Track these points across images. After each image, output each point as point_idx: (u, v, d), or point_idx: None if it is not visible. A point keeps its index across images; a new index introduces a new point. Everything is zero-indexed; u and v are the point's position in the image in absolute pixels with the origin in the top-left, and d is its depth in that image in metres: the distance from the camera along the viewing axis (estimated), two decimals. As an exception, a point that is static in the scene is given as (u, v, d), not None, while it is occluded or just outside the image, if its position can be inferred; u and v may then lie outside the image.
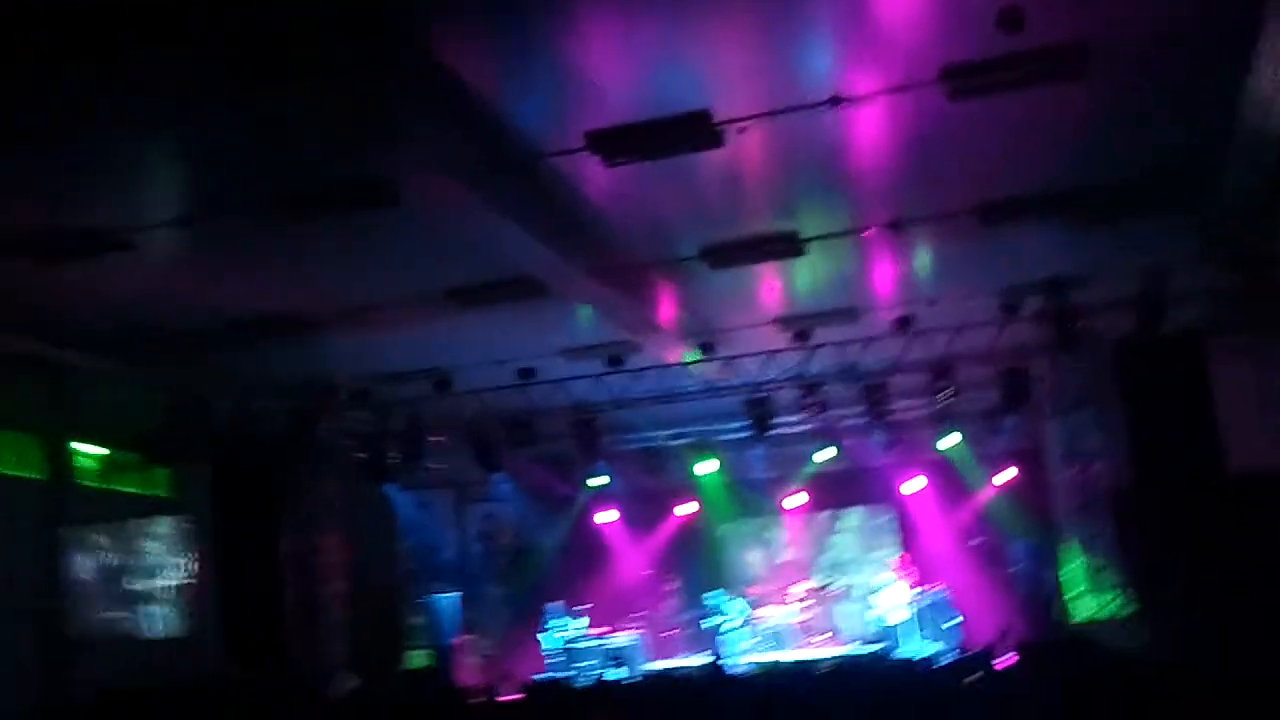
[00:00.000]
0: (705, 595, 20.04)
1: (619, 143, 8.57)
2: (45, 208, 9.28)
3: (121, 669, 13.76)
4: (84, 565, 14.48)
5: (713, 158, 8.88)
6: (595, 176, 9.24)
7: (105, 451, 14.60)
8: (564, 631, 19.67)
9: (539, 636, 19.77)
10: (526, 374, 14.83)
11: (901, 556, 20.10)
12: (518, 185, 9.45)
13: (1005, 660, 9.36)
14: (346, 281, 11.69)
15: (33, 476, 13.63)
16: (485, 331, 13.32)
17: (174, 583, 15.60)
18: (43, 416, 13.47)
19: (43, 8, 6.18)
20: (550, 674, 18.66)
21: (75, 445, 14.28)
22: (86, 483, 14.71)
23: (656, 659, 19.59)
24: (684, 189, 9.99)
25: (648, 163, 8.86)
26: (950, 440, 18.32)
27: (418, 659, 18.85)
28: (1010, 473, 19.51)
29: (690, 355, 14.53)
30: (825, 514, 21.75)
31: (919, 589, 19.04)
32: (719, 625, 19.36)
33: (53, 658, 13.19)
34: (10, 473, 13.43)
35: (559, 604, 19.94)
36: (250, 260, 10.93)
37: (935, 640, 17.84)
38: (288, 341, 12.85)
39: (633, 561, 21.83)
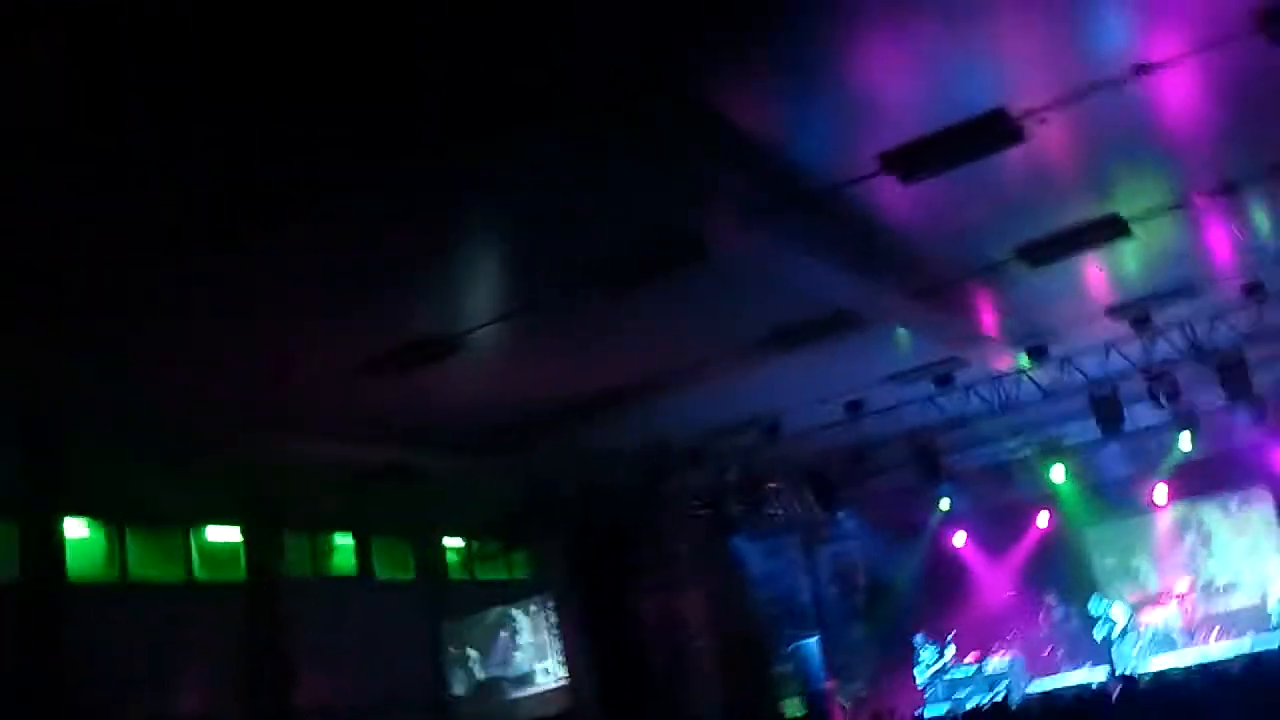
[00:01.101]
0: (1089, 603, 19.01)
1: (915, 158, 8.33)
2: (391, 325, 9.95)
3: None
4: (463, 655, 15.34)
5: (1015, 154, 8.48)
6: (894, 197, 9.02)
7: (468, 543, 15.40)
8: (935, 664, 19.13)
9: (913, 670, 19.29)
10: (854, 407, 14.65)
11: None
12: (818, 220, 9.38)
13: None
14: (666, 345, 11.93)
15: (407, 578, 14.59)
16: (807, 371, 13.25)
17: (548, 661, 16.21)
18: (411, 518, 14.40)
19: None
20: (930, 708, 18.17)
21: (443, 541, 15.19)
22: (455, 576, 15.62)
23: (1038, 678, 18.72)
24: (989, 192, 9.62)
25: (947, 173, 8.59)
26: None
27: (792, 708, 18.79)
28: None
29: (1022, 360, 13.94)
30: (1196, 504, 20.24)
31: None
32: (1106, 634, 18.31)
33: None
34: (387, 576, 14.41)
35: (920, 635, 19.42)
36: (573, 342, 11.34)
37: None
38: (620, 412, 13.22)
39: (994, 581, 20.99)
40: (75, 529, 11.48)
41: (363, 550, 14.14)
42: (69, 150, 6.36)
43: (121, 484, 11.37)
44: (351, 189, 7.39)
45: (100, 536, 11.90)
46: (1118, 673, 14.83)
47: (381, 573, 14.39)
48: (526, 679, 16.08)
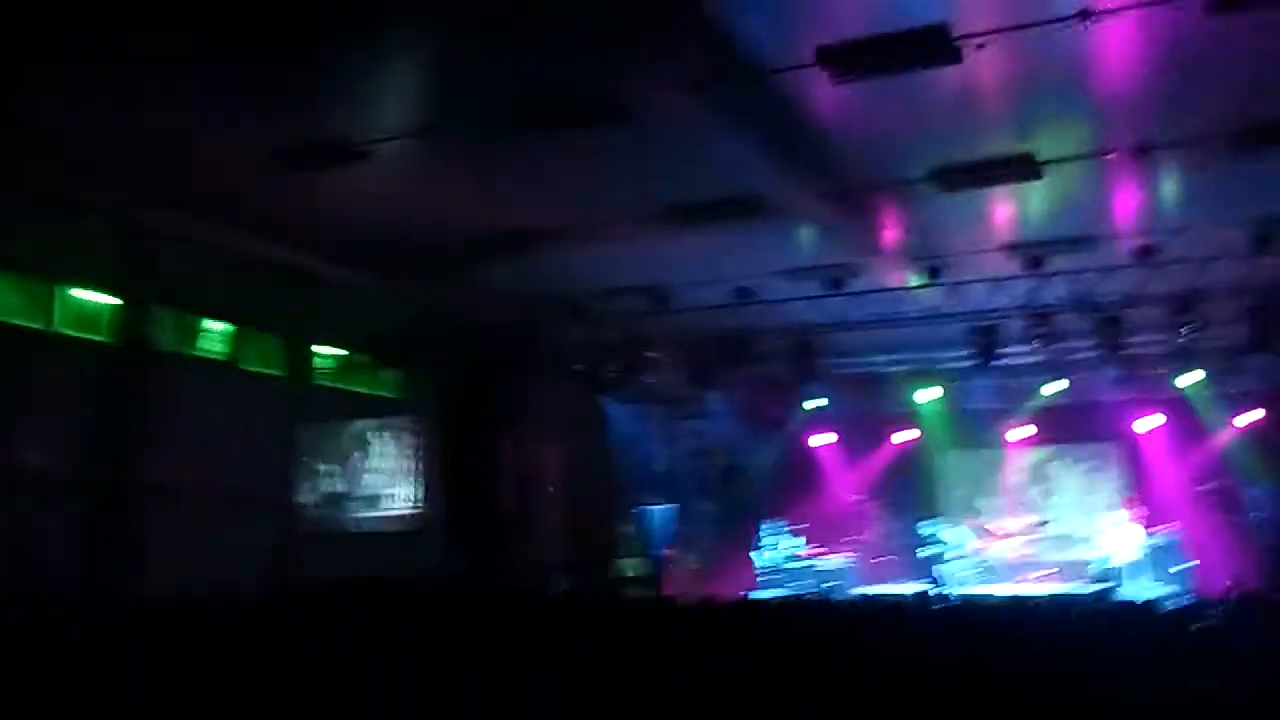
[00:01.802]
0: (923, 524, 19.74)
1: (850, 57, 8.30)
2: (298, 121, 9.72)
3: (350, 560, 14.54)
4: (318, 459, 15.35)
5: (948, 75, 8.52)
6: (824, 93, 9.00)
7: (342, 352, 15.23)
8: (775, 551, 19.73)
9: (751, 554, 19.90)
10: (744, 293, 14.76)
11: (1129, 497, 19.28)
12: (746, 102, 9.33)
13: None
14: (573, 197, 11.86)
15: (275, 374, 14.46)
16: (706, 250, 13.30)
17: (401, 480, 16.29)
18: (288, 318, 14.21)
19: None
20: (759, 592, 18.78)
21: (315, 348, 15.02)
22: (323, 382, 15.51)
23: (867, 584, 19.46)
24: (916, 108, 9.64)
25: (879, 79, 8.58)
26: (1190, 378, 17.37)
27: (629, 567, 19.25)
28: (1255, 414, 18.36)
29: (915, 280, 14.16)
30: (1050, 449, 21.04)
31: (1148, 531, 18.26)
32: (938, 555, 19.08)
33: (286, 546, 14.04)
34: (254, 369, 14.26)
35: (780, 522, 19.96)
36: (482, 175, 11.21)
37: (1163, 584, 17.08)
38: (516, 256, 13.14)
39: (845, 486, 21.67)
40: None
41: (235, 340, 13.91)
42: None
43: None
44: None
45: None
46: (936, 591, 15.47)
47: (249, 364, 14.20)
48: (374, 500, 16.17)
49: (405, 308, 14.51)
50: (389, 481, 16.23)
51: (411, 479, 16.22)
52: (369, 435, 16.10)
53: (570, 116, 9.34)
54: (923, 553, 19.33)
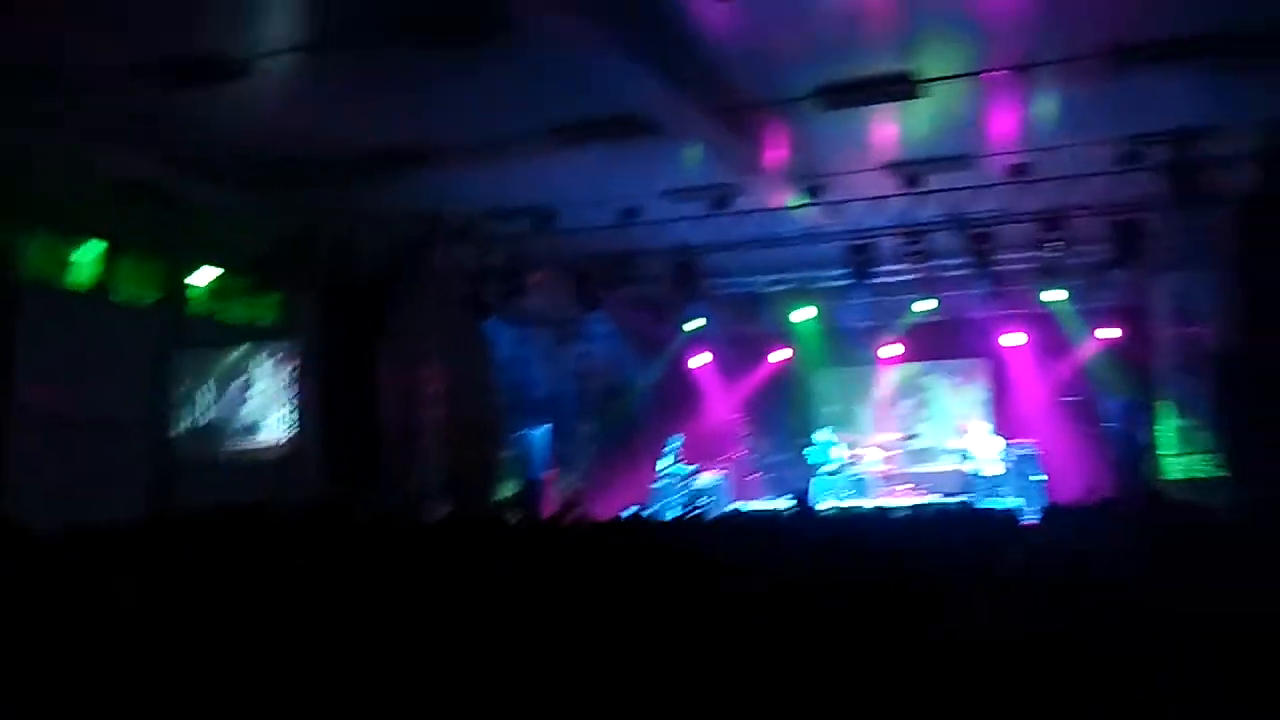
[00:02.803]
0: (806, 440, 20.17)
1: (738, -27, 8.32)
2: (168, 35, 9.34)
3: (226, 488, 14.26)
4: (195, 387, 14.97)
5: (835, -9, 8.60)
6: (708, 10, 9.02)
7: (217, 274, 14.78)
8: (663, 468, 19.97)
9: (632, 471, 20.12)
10: (629, 214, 14.77)
11: (992, 410, 19.99)
12: (632, 16, 9.28)
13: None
14: (458, 116, 11.66)
15: (148, 300, 13.99)
16: (592, 171, 13.24)
17: (279, 407, 15.99)
18: (161, 241, 13.74)
19: None
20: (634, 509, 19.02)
21: (193, 270, 14.54)
22: (198, 308, 15.06)
23: (741, 500, 19.86)
24: (800, 24, 9.72)
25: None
26: (1055, 295, 17.99)
27: (509, 490, 19.29)
28: (1114, 331, 19.14)
29: (796, 200, 14.33)
30: (921, 365, 21.65)
31: (1009, 443, 18.99)
32: (813, 469, 19.55)
33: (161, 474, 13.73)
34: (127, 295, 13.78)
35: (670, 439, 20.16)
36: (365, 92, 10.94)
37: (1020, 496, 17.81)
38: (398, 175, 12.90)
39: (724, 405, 22.01)
40: None
41: (107, 264, 13.38)
42: None
43: None
44: None
45: None
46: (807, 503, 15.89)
47: (124, 290, 13.70)
48: (252, 429, 15.85)
49: (284, 229, 14.13)
50: (267, 408, 15.90)
51: (291, 405, 15.92)
52: (248, 361, 15.73)
53: (449, 31, 9.18)
54: (806, 466, 19.80)
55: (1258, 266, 12.56)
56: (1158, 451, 17.44)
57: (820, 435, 20.51)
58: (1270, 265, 12.46)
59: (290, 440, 15.87)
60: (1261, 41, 9.86)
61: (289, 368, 16.04)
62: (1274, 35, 9.77)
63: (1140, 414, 18.28)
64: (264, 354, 15.95)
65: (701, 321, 20.10)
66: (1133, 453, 18.21)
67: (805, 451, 19.87)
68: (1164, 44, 9.97)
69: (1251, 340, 12.74)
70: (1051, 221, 14.00)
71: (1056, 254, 14.69)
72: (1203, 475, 15.42)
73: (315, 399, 15.82)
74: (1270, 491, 12.17)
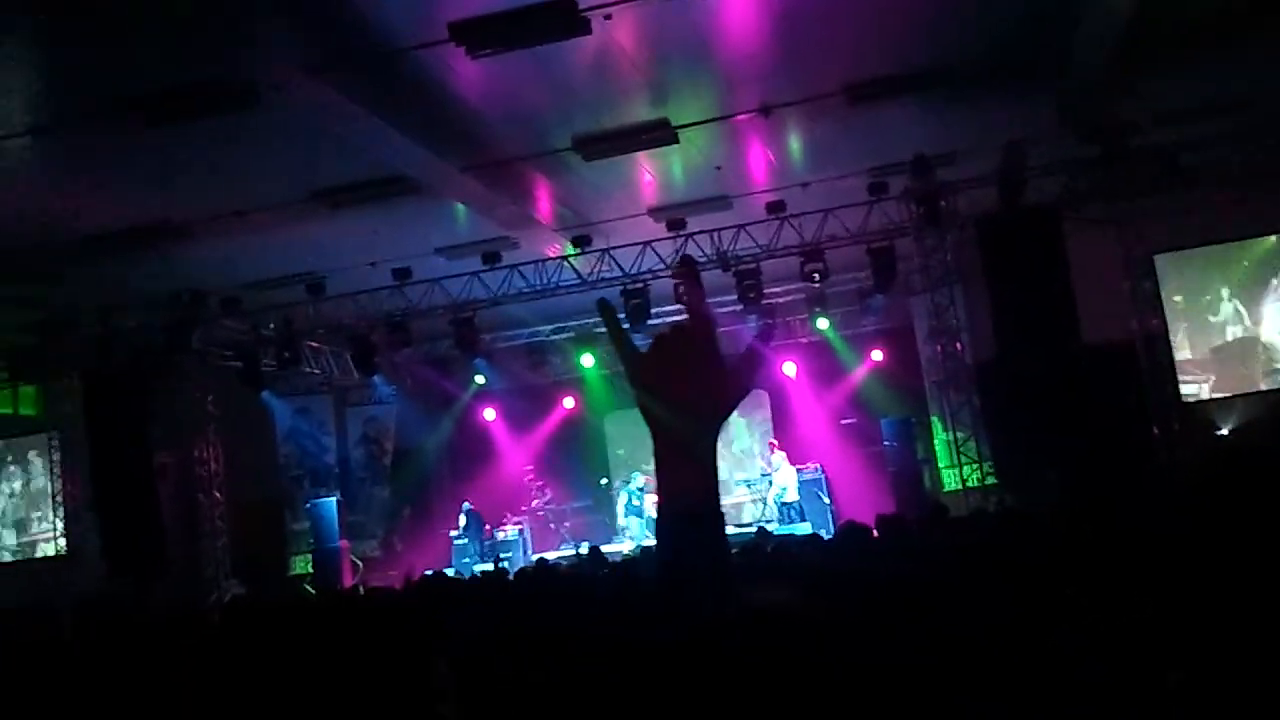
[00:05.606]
0: (606, 482, 20.27)
1: (482, 33, 8.46)
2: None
3: (3, 591, 13.51)
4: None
5: (582, 46, 8.82)
6: (463, 69, 9.13)
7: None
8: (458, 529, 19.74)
9: (431, 534, 19.83)
10: (402, 274, 14.68)
11: (771, 441, 20.46)
12: (383, 81, 9.30)
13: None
14: (211, 188, 11.46)
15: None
16: (358, 233, 13.14)
17: (47, 508, 15.26)
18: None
19: None
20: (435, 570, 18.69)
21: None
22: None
23: (541, 552, 19.77)
24: (554, 79, 9.94)
25: (515, 53, 8.76)
26: (823, 322, 18.67)
27: (302, 564, 18.76)
28: (877, 354, 19.95)
29: (568, 249, 14.52)
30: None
31: (797, 469, 19.49)
32: (619, 511, 19.67)
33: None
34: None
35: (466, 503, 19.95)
36: (111, 172, 10.68)
37: (808, 520, 18.25)
38: (156, 252, 12.56)
39: (518, 457, 21.92)
40: None
41: None
42: None
43: None
44: None
45: None
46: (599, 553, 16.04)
47: None
48: (21, 525, 15.04)
49: (36, 316, 13.46)
50: (33, 505, 15.11)
51: (59, 499, 15.17)
52: (9, 458, 14.92)
53: (192, 106, 9.00)
54: (594, 513, 19.88)
55: (1000, 280, 13.29)
56: (938, 465, 18.21)
57: (617, 478, 20.63)
58: (1011, 278, 13.21)
59: (63, 537, 15.12)
60: (986, 71, 10.57)
61: (56, 460, 15.31)
62: (996, 64, 10.49)
63: (914, 431, 19.06)
64: (28, 447, 15.19)
65: (482, 378, 20.06)
66: (910, 469, 18.93)
67: (625, 492, 19.89)
68: (894, 79, 10.58)
69: (1001, 351, 13.46)
70: (812, 253, 14.53)
71: (819, 284, 15.26)
72: (976, 485, 16.05)
73: (87, 490, 15.11)
74: (1036, 495, 12.78)
